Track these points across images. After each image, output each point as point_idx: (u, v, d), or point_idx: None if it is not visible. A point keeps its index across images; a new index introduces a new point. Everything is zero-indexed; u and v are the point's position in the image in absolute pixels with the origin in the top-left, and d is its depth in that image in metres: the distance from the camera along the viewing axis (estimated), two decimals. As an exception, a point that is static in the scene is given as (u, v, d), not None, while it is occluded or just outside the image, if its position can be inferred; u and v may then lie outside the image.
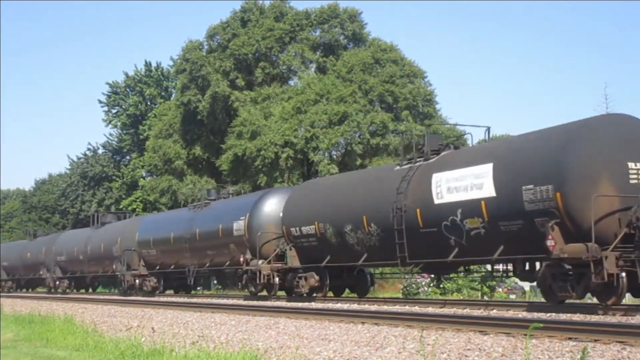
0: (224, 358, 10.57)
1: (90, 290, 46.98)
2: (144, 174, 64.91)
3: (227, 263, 26.62)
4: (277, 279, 23.70)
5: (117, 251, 35.40)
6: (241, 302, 23.63)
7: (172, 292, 35.01)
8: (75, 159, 74.59)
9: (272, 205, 24.85)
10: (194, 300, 27.25)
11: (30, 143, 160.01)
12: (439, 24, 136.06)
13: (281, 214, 23.99)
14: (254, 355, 10.76)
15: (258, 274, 23.73)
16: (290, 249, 23.12)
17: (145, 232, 33.71)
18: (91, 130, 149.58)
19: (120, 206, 64.25)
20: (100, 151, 72.02)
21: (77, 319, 20.06)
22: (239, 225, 25.39)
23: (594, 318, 13.34)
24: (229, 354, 10.82)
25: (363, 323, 13.11)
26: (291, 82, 50.28)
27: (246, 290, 26.30)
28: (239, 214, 25.63)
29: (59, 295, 40.58)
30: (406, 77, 44.64)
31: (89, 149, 73.14)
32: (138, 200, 62.04)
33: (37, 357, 13.51)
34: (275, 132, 42.89)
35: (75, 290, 45.11)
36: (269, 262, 23.80)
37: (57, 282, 44.51)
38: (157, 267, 32.69)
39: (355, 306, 18.81)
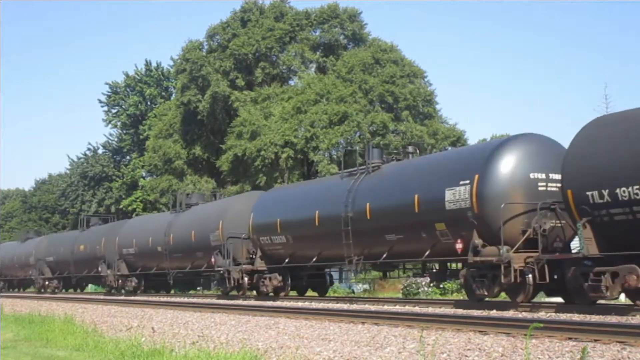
0: (224, 358, 10.57)
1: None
2: (144, 174, 64.90)
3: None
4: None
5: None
6: (241, 302, 23.66)
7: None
8: (75, 159, 74.65)
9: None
10: (194, 300, 27.28)
11: (30, 143, 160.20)
12: (439, 24, 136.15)
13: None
14: (254, 355, 10.76)
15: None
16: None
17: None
18: (91, 130, 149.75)
19: (120, 206, 64.26)
20: (100, 151, 72.03)
21: (77, 319, 20.06)
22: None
23: (594, 318, 13.35)
24: (229, 354, 10.82)
25: (363, 323, 13.11)
26: (291, 82, 50.31)
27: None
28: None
29: (58, 295, 40.65)
30: (406, 77, 44.63)
31: (89, 149, 73.19)
32: (138, 200, 62.03)
33: (37, 357, 13.51)
34: (275, 132, 42.89)
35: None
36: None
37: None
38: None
39: (355, 306, 18.82)
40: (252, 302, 22.37)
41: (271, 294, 24.76)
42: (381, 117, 42.44)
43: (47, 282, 44.96)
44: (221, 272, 26.32)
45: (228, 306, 19.82)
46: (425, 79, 46.91)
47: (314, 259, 22.95)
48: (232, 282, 25.58)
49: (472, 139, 68.50)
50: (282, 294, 24.60)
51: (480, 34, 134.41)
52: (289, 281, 24.64)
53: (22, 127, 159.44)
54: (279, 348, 11.37)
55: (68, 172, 75.67)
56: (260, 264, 25.09)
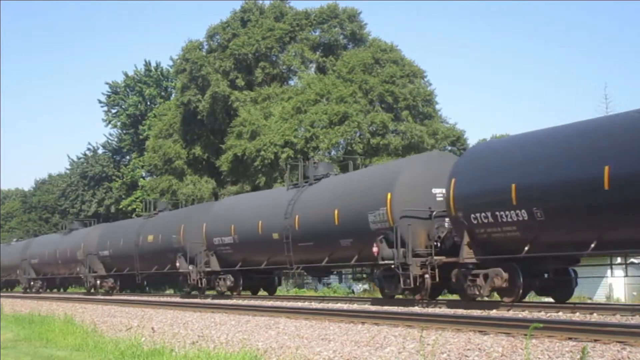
0: (224, 358, 10.57)
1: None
2: (143, 174, 64.87)
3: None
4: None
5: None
6: (241, 302, 23.69)
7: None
8: (75, 159, 74.62)
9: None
10: (194, 300, 27.32)
11: (30, 143, 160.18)
12: (439, 24, 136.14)
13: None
14: (254, 355, 10.77)
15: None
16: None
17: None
18: (91, 130, 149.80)
19: (120, 206, 64.25)
20: (100, 151, 71.99)
21: (77, 319, 20.07)
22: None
23: (594, 318, 13.35)
24: (229, 354, 10.83)
25: (363, 323, 13.11)
26: (291, 82, 50.29)
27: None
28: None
29: (58, 296, 40.67)
30: (406, 77, 44.61)
31: (89, 149, 73.15)
32: (138, 200, 62.00)
33: (37, 357, 13.52)
34: (275, 132, 42.89)
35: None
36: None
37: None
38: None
39: (355, 306, 18.82)
40: (252, 302, 22.38)
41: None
42: (381, 117, 42.43)
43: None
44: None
45: (228, 306, 19.82)
46: (425, 79, 46.95)
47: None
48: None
49: (472, 139, 68.60)
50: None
51: (480, 34, 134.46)
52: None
53: (22, 127, 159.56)
54: (279, 348, 11.37)
55: (68, 172, 75.65)
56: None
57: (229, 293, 27.59)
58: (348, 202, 20.94)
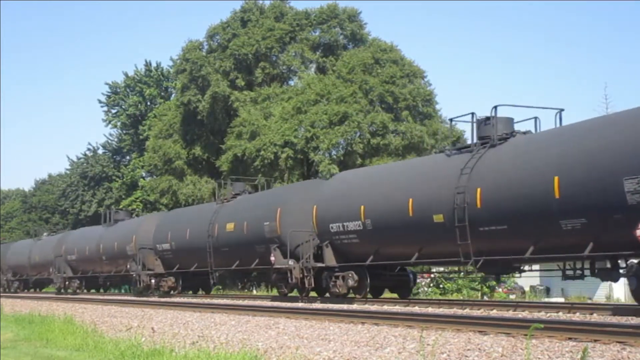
0: (224, 358, 10.57)
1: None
2: (143, 174, 64.90)
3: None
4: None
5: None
6: (241, 302, 23.74)
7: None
8: (75, 159, 74.71)
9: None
10: (194, 300, 27.33)
11: (30, 143, 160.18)
12: (438, 24, 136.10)
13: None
14: (254, 355, 10.76)
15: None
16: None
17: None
18: (91, 130, 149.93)
19: (120, 206, 64.29)
20: (100, 151, 72.07)
21: (77, 319, 20.07)
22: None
23: (594, 318, 13.36)
24: (229, 354, 10.82)
25: (363, 323, 13.11)
26: (291, 82, 50.30)
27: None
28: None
29: (58, 295, 40.56)
30: (406, 77, 44.62)
31: (88, 149, 73.23)
32: (138, 200, 62.04)
33: (37, 357, 13.52)
34: (275, 132, 42.89)
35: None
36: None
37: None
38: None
39: (355, 306, 18.83)
40: (252, 302, 22.41)
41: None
42: (381, 117, 42.43)
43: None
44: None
45: (228, 306, 19.84)
46: (425, 79, 46.96)
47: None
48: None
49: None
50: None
51: (480, 34, 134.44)
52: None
53: (22, 127, 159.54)
54: (279, 348, 11.36)
55: (68, 172, 75.70)
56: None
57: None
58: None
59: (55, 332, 16.86)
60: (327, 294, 22.77)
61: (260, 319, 15.62)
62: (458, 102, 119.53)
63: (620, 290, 33.19)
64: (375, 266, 20.74)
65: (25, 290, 51.99)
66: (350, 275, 21.03)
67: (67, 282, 42.59)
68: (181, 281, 31.52)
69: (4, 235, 79.78)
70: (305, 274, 22.91)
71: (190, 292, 33.45)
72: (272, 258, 23.80)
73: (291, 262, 23.14)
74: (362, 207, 20.20)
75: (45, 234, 51.83)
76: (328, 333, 12.42)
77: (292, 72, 49.87)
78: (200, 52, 50.56)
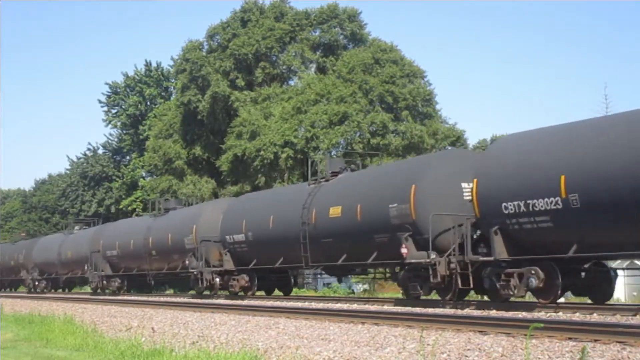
0: (224, 358, 10.57)
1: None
2: (144, 174, 64.89)
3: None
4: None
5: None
6: (241, 302, 23.68)
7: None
8: (75, 159, 74.64)
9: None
10: (194, 300, 27.28)
11: (30, 143, 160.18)
12: (439, 24, 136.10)
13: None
14: (254, 355, 10.76)
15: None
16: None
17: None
18: (91, 130, 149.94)
19: (120, 206, 64.23)
20: (100, 151, 72.02)
21: (77, 319, 20.07)
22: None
23: (594, 318, 13.35)
24: (229, 354, 10.83)
25: (363, 323, 13.10)
26: (291, 82, 50.30)
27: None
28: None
29: (59, 296, 40.44)
30: (406, 77, 44.64)
31: (89, 149, 73.17)
32: (138, 200, 62.02)
33: (37, 357, 13.51)
34: (275, 132, 42.90)
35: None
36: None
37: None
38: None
39: (355, 306, 18.82)
40: (252, 302, 22.37)
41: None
42: (381, 117, 42.44)
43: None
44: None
45: (228, 306, 19.82)
46: (425, 79, 46.97)
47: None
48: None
49: (472, 139, 68.59)
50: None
51: (480, 34, 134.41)
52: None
53: (22, 127, 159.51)
54: (279, 348, 11.36)
55: (68, 172, 75.67)
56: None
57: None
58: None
59: (55, 332, 16.86)
60: (485, 297, 19.16)
61: (260, 319, 15.62)
62: (458, 102, 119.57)
63: (620, 291, 33.20)
64: (572, 260, 15.82)
65: (53, 291, 46.63)
66: (534, 272, 15.84)
67: (104, 282, 37.18)
68: (256, 280, 26.47)
69: (4, 236, 79.74)
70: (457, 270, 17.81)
71: (264, 292, 28.59)
72: (404, 250, 19.07)
73: (433, 254, 18.30)
74: (563, 177, 15.01)
75: (76, 227, 45.85)
76: (328, 333, 12.42)
77: (292, 72, 49.88)
78: (201, 52, 50.57)
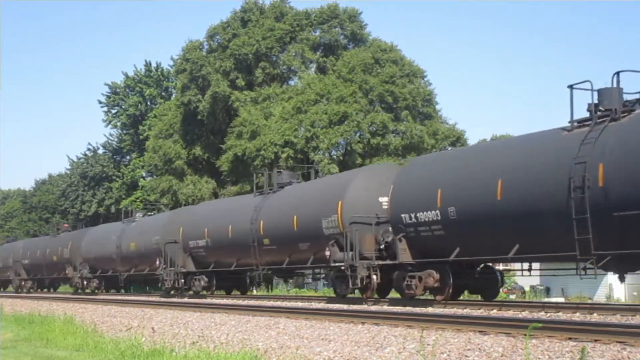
0: (224, 358, 10.57)
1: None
2: (144, 174, 64.91)
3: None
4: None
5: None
6: (241, 302, 23.68)
7: None
8: (75, 159, 74.67)
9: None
10: (194, 300, 27.23)
11: (30, 143, 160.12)
12: (439, 24, 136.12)
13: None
14: (254, 355, 10.77)
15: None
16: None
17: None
18: (91, 130, 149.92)
19: (120, 206, 64.25)
20: (100, 151, 72.07)
21: (77, 319, 20.07)
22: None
23: (594, 318, 13.35)
24: (229, 354, 10.83)
25: (363, 323, 13.10)
26: (291, 82, 50.33)
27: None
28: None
29: (58, 295, 40.33)
30: (406, 77, 44.67)
31: (89, 149, 73.22)
32: (138, 200, 62.05)
33: (37, 357, 13.52)
34: (275, 132, 42.92)
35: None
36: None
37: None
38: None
39: (355, 306, 18.82)
40: (252, 302, 22.38)
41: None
42: (381, 117, 42.46)
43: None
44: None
45: (228, 306, 19.81)
46: (425, 79, 47.00)
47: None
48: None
49: (472, 139, 68.52)
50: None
51: (481, 34, 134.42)
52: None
53: (22, 127, 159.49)
54: (279, 348, 11.36)
55: (68, 172, 75.70)
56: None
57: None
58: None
59: (55, 332, 16.87)
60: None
61: (261, 319, 15.61)
62: (458, 102, 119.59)
63: (620, 291, 33.21)
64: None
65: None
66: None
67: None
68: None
69: (4, 235, 79.80)
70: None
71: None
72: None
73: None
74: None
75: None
76: (328, 333, 12.42)
77: (292, 72, 49.91)
78: (201, 52, 50.58)
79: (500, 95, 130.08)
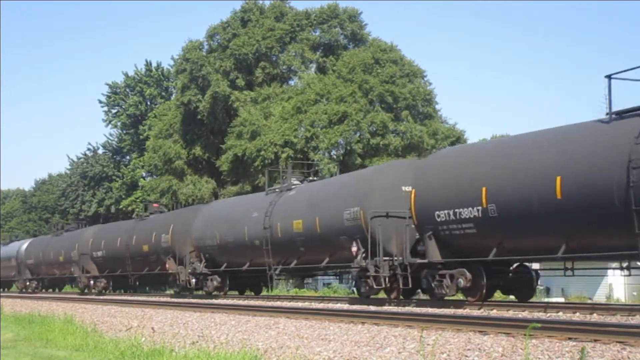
0: (224, 358, 10.57)
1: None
2: (144, 174, 64.92)
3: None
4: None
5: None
6: (241, 302, 23.68)
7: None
8: (75, 159, 74.69)
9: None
10: (194, 300, 27.22)
11: (30, 143, 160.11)
12: (439, 24, 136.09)
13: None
14: (254, 355, 10.76)
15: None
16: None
17: None
18: (91, 130, 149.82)
19: (120, 206, 64.23)
20: (100, 151, 72.10)
21: (77, 319, 20.06)
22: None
23: (594, 318, 13.35)
24: (229, 354, 10.82)
25: (363, 323, 13.09)
26: (291, 82, 50.36)
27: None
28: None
29: (58, 295, 40.39)
30: (406, 77, 44.69)
31: (89, 149, 73.25)
32: (138, 200, 62.06)
33: (37, 357, 13.51)
34: (275, 132, 42.93)
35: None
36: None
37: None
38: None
39: (355, 306, 18.81)
40: (252, 302, 22.36)
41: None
42: (381, 117, 42.47)
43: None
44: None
45: (228, 306, 19.80)
46: (425, 79, 47.02)
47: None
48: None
49: (472, 139, 68.55)
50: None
51: (481, 34, 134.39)
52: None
53: (22, 127, 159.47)
54: (279, 348, 11.36)
55: (68, 172, 75.71)
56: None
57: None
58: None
59: (55, 332, 16.86)
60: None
61: (260, 319, 15.60)
62: (458, 102, 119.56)
63: (620, 290, 33.21)
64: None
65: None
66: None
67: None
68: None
69: (3, 236, 79.81)
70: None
71: None
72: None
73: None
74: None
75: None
76: (328, 333, 12.41)
77: (292, 72, 49.94)
78: (201, 52, 50.60)
79: (500, 95, 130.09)
